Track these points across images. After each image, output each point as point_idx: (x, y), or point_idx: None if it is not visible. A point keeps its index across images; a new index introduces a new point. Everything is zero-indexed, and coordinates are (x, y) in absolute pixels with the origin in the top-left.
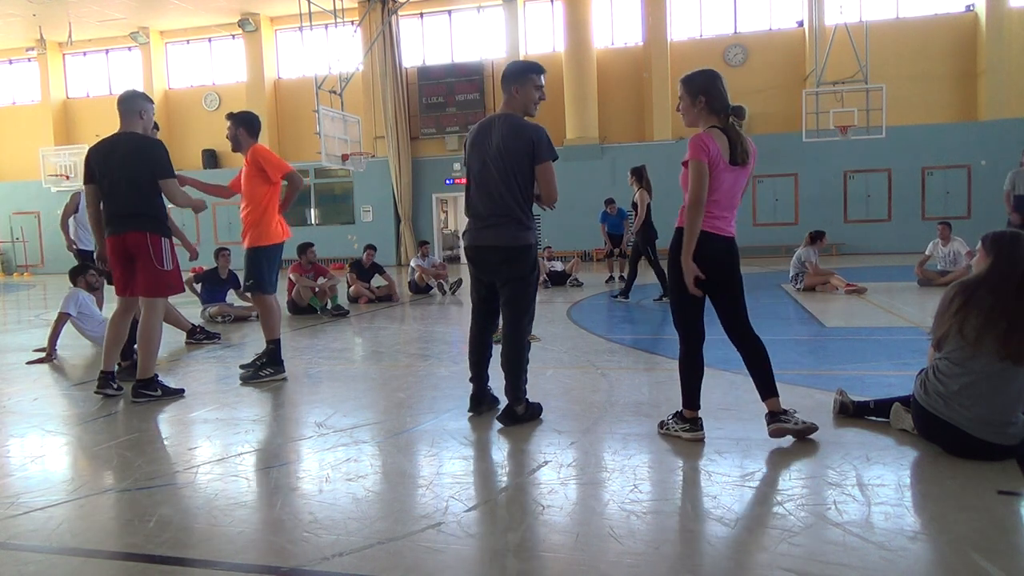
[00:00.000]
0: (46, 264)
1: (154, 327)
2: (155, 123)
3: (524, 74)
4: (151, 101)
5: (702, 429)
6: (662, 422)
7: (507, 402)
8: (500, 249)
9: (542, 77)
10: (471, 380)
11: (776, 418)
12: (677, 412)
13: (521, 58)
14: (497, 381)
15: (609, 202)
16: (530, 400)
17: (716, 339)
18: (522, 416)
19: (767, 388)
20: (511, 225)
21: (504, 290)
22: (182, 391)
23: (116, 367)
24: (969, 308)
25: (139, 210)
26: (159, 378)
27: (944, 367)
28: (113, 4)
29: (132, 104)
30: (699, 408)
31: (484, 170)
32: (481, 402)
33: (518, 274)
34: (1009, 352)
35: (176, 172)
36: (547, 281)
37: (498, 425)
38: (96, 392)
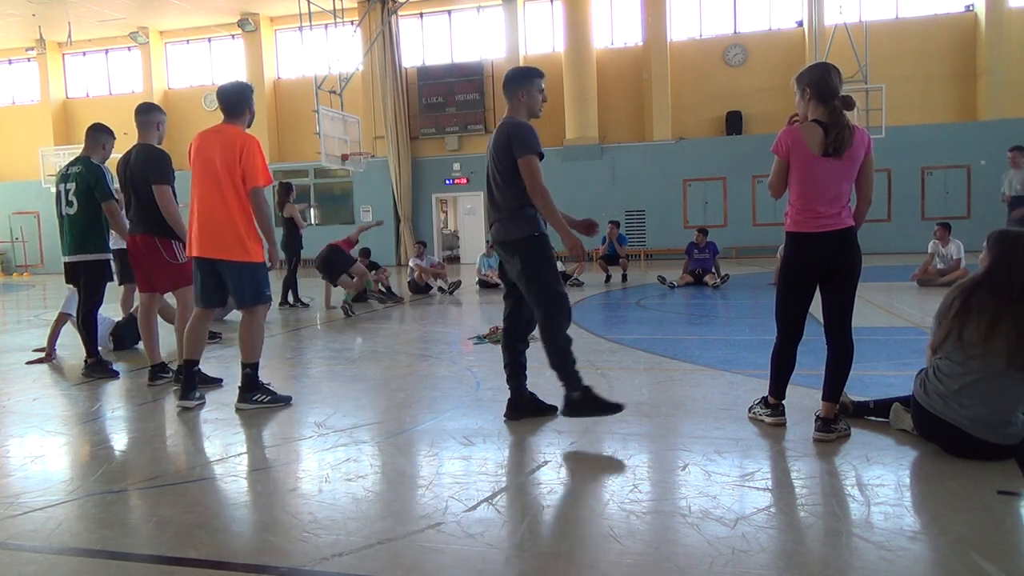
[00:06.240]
0: (45, 264)
1: (187, 314)
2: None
3: (528, 78)
4: (164, 112)
5: (783, 415)
6: (751, 407)
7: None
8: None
9: (543, 81)
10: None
11: (826, 426)
12: (763, 397)
13: (521, 58)
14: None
15: (614, 224)
16: (603, 399)
17: (715, 339)
18: (579, 402)
19: (832, 392)
20: (505, 221)
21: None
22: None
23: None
24: (969, 312)
25: (144, 215)
26: (200, 369)
27: (944, 367)
28: (113, 4)
29: (148, 116)
30: (784, 397)
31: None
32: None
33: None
34: (1017, 364)
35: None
36: None
37: (499, 425)
38: (148, 384)
